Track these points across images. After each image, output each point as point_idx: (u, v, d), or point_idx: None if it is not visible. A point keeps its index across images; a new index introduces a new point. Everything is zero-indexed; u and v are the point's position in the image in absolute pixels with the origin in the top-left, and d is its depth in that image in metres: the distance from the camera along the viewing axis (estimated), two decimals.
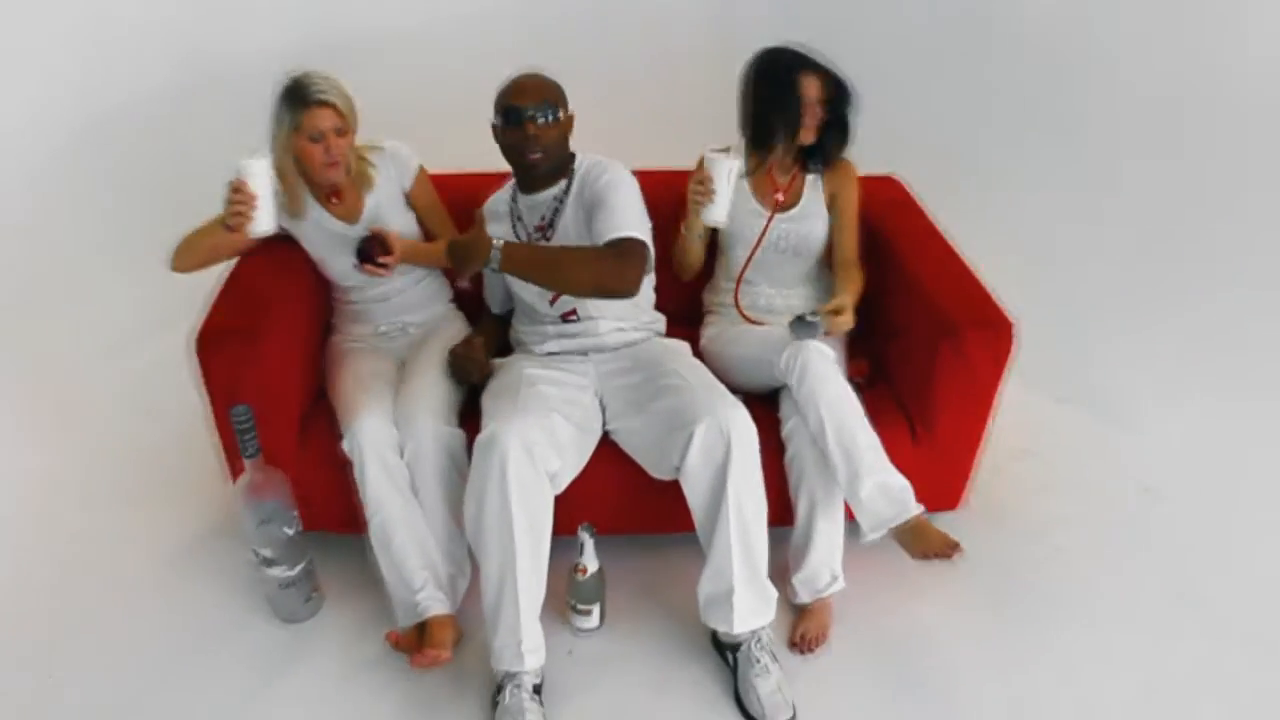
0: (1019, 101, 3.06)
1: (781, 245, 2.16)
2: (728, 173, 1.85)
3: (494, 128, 1.91)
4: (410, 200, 2.12)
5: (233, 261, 2.05)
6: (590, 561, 1.88)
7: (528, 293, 2.03)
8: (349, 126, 1.93)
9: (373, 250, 2.03)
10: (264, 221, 1.78)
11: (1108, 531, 2.26)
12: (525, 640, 1.72)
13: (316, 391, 2.08)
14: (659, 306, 2.16)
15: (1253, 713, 1.84)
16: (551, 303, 2.00)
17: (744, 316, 2.18)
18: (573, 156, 1.98)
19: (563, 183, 1.96)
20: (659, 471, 1.84)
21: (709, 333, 2.21)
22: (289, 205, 1.99)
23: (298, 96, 1.87)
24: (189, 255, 1.92)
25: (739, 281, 2.19)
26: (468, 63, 3.31)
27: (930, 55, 3.27)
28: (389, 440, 1.87)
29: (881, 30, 3.35)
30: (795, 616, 1.98)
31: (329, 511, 1.98)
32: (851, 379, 2.05)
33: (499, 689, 1.76)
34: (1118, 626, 2.01)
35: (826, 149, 2.12)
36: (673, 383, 1.85)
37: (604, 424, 1.95)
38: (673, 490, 1.80)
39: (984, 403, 1.98)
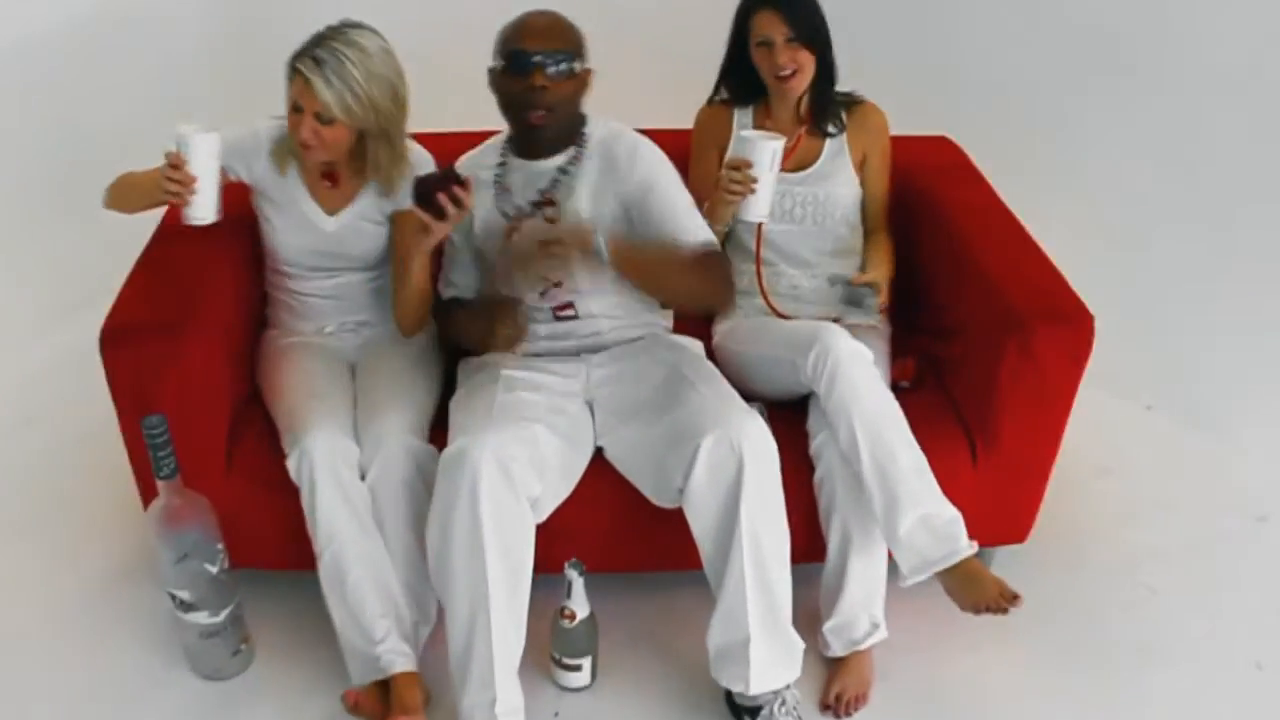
0: (1095, 42, 3.03)
1: (799, 214, 2.16)
2: (771, 156, 1.86)
3: (491, 73, 1.87)
4: (397, 218, 2.00)
5: (141, 245, 2.02)
6: (579, 605, 1.86)
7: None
8: (338, 119, 1.81)
9: (437, 189, 1.72)
10: (203, 209, 1.81)
11: (1208, 567, 2.25)
12: (500, 700, 1.70)
13: (247, 398, 2.07)
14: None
15: None
16: (542, 294, 1.96)
17: (770, 307, 2.16)
18: (583, 119, 1.94)
19: (570, 150, 1.92)
20: (661, 497, 1.83)
21: (723, 327, 2.19)
22: (276, 156, 1.96)
23: (299, 53, 1.80)
24: (122, 200, 1.97)
25: (758, 263, 2.17)
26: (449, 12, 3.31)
27: None
28: (346, 457, 1.85)
29: None
30: (828, 672, 1.96)
31: (262, 544, 1.97)
32: (894, 383, 2.04)
33: None
34: (1222, 683, 2.00)
35: (824, 102, 2.13)
36: (676, 388, 1.84)
37: (595, 438, 1.93)
38: (677, 519, 1.78)
39: (1058, 412, 1.97)
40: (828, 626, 1.94)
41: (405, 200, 1.89)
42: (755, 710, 1.82)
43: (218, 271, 2.02)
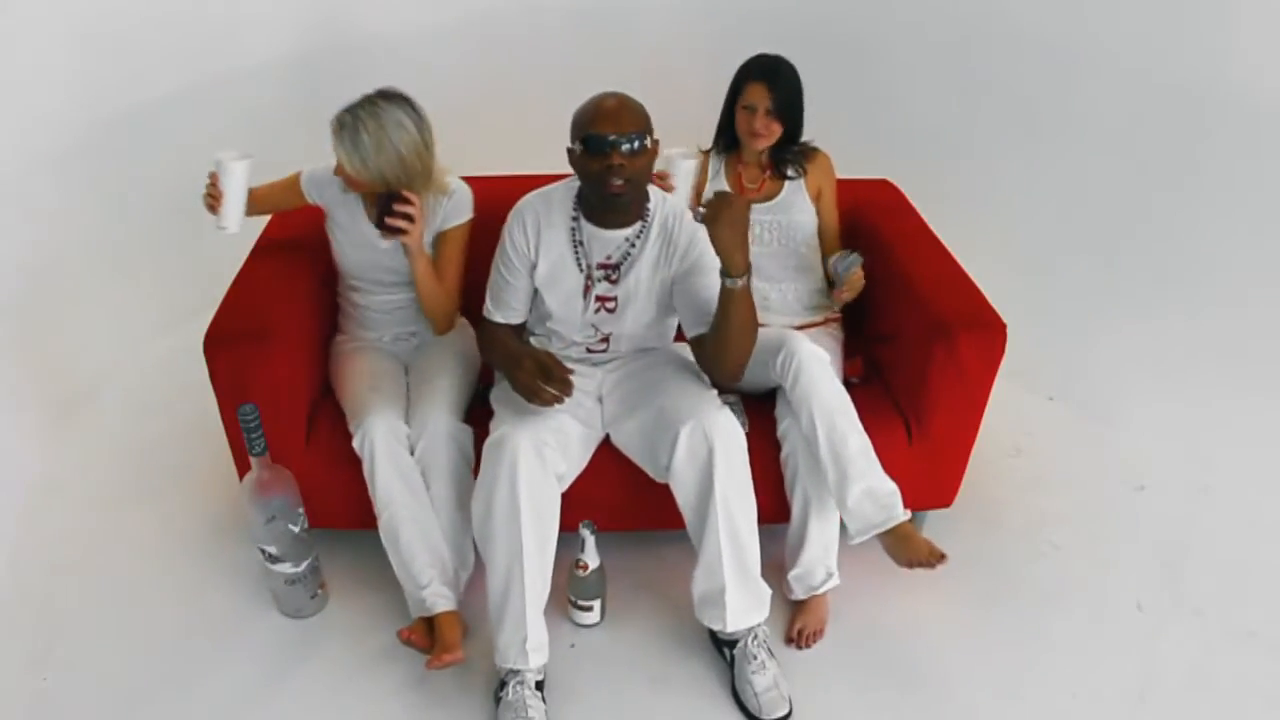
0: (1010, 104, 3.04)
1: (766, 238, 2.15)
2: (685, 173, 1.91)
3: (570, 154, 1.71)
4: (436, 240, 1.96)
5: (241, 262, 2.01)
6: (591, 558, 1.85)
7: (569, 317, 1.85)
8: (374, 181, 1.78)
9: (387, 210, 1.78)
10: (230, 220, 1.81)
11: (1099, 527, 2.23)
12: (530, 638, 1.69)
13: (323, 390, 2.05)
14: None
15: (1245, 707, 1.82)
16: (594, 335, 1.89)
17: None
18: (647, 194, 1.79)
19: (638, 224, 1.79)
20: (655, 473, 1.82)
21: None
22: (345, 187, 1.91)
23: (337, 132, 1.75)
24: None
25: None
26: (468, 65, 3.30)
27: (923, 60, 3.24)
28: (400, 437, 1.84)
29: (875, 35, 3.32)
30: (792, 612, 1.95)
31: (335, 508, 1.95)
32: (846, 379, 2.03)
33: (502, 684, 1.74)
34: (1109, 622, 1.99)
35: (784, 155, 2.13)
36: (665, 386, 1.82)
37: (603, 425, 1.92)
38: (669, 489, 1.77)
39: (977, 402, 1.95)
40: (791, 575, 1.93)
41: (445, 224, 1.92)
42: (733, 643, 1.82)
43: (298, 287, 2.01)
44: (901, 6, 3.26)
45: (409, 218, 1.80)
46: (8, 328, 2.35)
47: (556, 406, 1.69)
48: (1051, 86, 2.91)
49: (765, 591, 1.81)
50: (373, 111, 1.74)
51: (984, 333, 1.87)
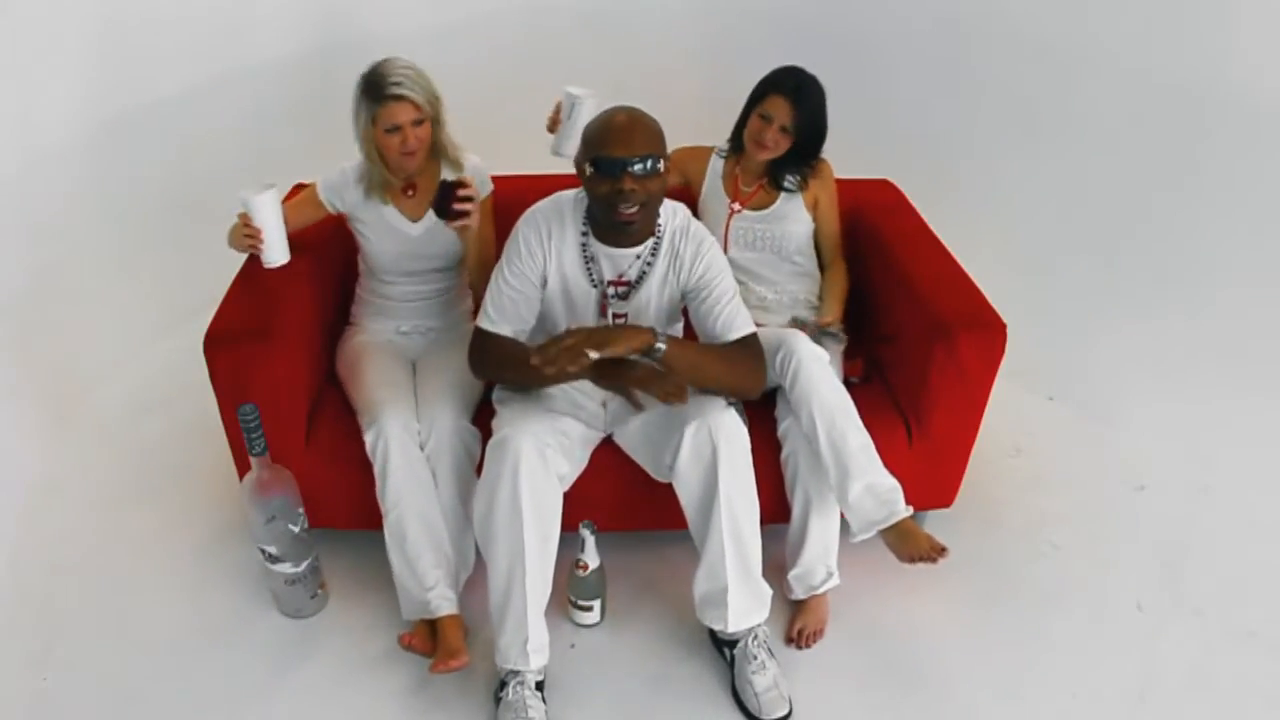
0: (1010, 104, 3.04)
1: (759, 245, 2.15)
2: (571, 108, 1.89)
3: (579, 168, 1.67)
4: None
5: (240, 263, 2.01)
6: (591, 558, 1.85)
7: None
8: (427, 116, 1.85)
9: (447, 200, 1.78)
10: (275, 253, 1.82)
11: (1099, 527, 2.23)
12: (531, 639, 1.69)
13: (323, 390, 2.05)
14: None
15: (1245, 707, 1.82)
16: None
17: None
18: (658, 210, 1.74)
19: (650, 241, 1.74)
20: (657, 473, 1.81)
21: None
22: (368, 190, 1.94)
23: (374, 90, 1.80)
24: (234, 243, 1.95)
25: None
26: (472, 65, 3.29)
27: (923, 60, 3.24)
28: (413, 435, 1.84)
29: (877, 35, 3.32)
30: (792, 612, 1.95)
31: (335, 508, 1.95)
32: (846, 378, 2.03)
33: (502, 684, 1.73)
34: (1109, 622, 1.98)
35: (785, 171, 2.11)
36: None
37: (605, 427, 1.91)
38: (670, 489, 1.77)
39: (977, 402, 1.95)
40: (791, 575, 1.92)
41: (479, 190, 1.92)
42: (733, 643, 1.81)
43: (298, 288, 2.00)
44: (901, 6, 3.26)
45: (470, 200, 1.79)
46: (8, 328, 2.34)
47: (561, 407, 1.70)
48: (1051, 86, 2.91)
49: (766, 592, 1.80)
50: (393, 64, 1.82)
51: (984, 333, 1.87)
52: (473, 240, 1.91)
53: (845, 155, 2.21)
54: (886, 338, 2.13)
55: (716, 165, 2.19)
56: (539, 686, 1.74)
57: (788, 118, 1.99)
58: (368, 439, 1.82)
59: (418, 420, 1.86)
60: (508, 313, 1.76)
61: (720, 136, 2.21)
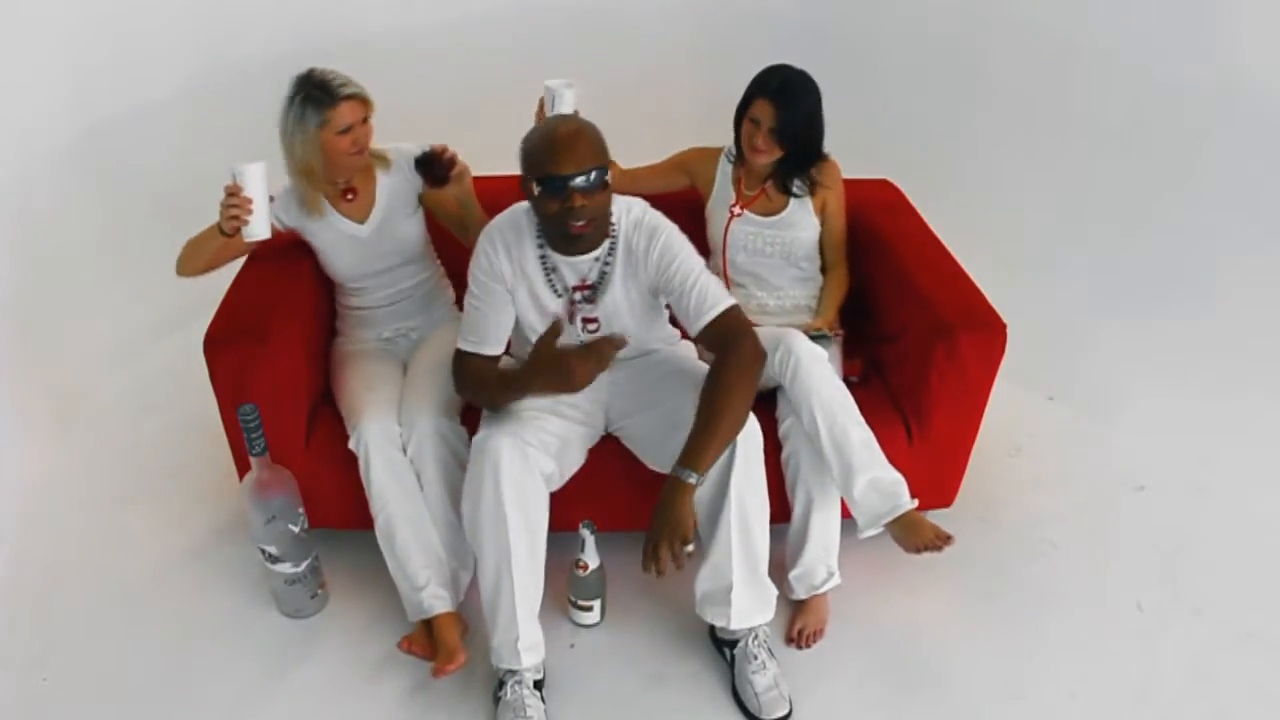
0: (1010, 104, 3.03)
1: (769, 250, 2.13)
2: (553, 100, 1.91)
3: (526, 190, 1.63)
4: (424, 200, 2.05)
5: (240, 265, 2.01)
6: (591, 558, 1.85)
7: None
8: (370, 112, 1.88)
9: (435, 168, 1.91)
10: (259, 226, 1.77)
11: (1099, 527, 2.23)
12: (522, 638, 1.69)
13: (323, 391, 2.05)
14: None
15: (1244, 706, 1.82)
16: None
17: None
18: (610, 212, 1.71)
19: (606, 243, 1.72)
20: (660, 465, 1.80)
21: None
22: (307, 204, 1.94)
23: (323, 94, 1.80)
24: (192, 260, 1.91)
25: (727, 284, 2.16)
26: (464, 65, 3.29)
27: (923, 60, 3.23)
28: (394, 438, 1.84)
29: (877, 35, 3.31)
30: (792, 611, 1.95)
31: (335, 509, 1.95)
32: (846, 378, 2.02)
33: (501, 684, 1.73)
34: (1109, 621, 1.98)
35: (791, 177, 2.10)
36: (679, 383, 1.80)
37: (607, 424, 1.91)
38: None
39: (977, 402, 1.95)
40: (792, 574, 1.92)
41: (396, 185, 2.00)
42: (733, 643, 1.81)
43: (297, 288, 2.00)
44: (901, 6, 3.25)
45: (447, 154, 1.91)
46: (8, 327, 2.34)
47: (547, 405, 1.71)
48: (1051, 86, 2.91)
49: (772, 593, 1.80)
50: (323, 71, 1.84)
51: (984, 333, 1.86)
52: (468, 192, 1.97)
53: (845, 155, 2.21)
54: (886, 338, 2.13)
55: (726, 168, 2.17)
56: (538, 686, 1.74)
57: (773, 121, 1.97)
58: (350, 444, 1.83)
59: (399, 423, 1.86)
60: (481, 331, 1.75)
61: (719, 136, 2.20)
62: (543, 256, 1.73)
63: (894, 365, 2.09)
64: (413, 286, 2.09)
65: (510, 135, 1.72)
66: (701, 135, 2.26)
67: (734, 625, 1.76)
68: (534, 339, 1.73)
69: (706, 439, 1.62)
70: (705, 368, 1.75)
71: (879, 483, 1.81)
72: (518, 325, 1.80)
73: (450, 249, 2.15)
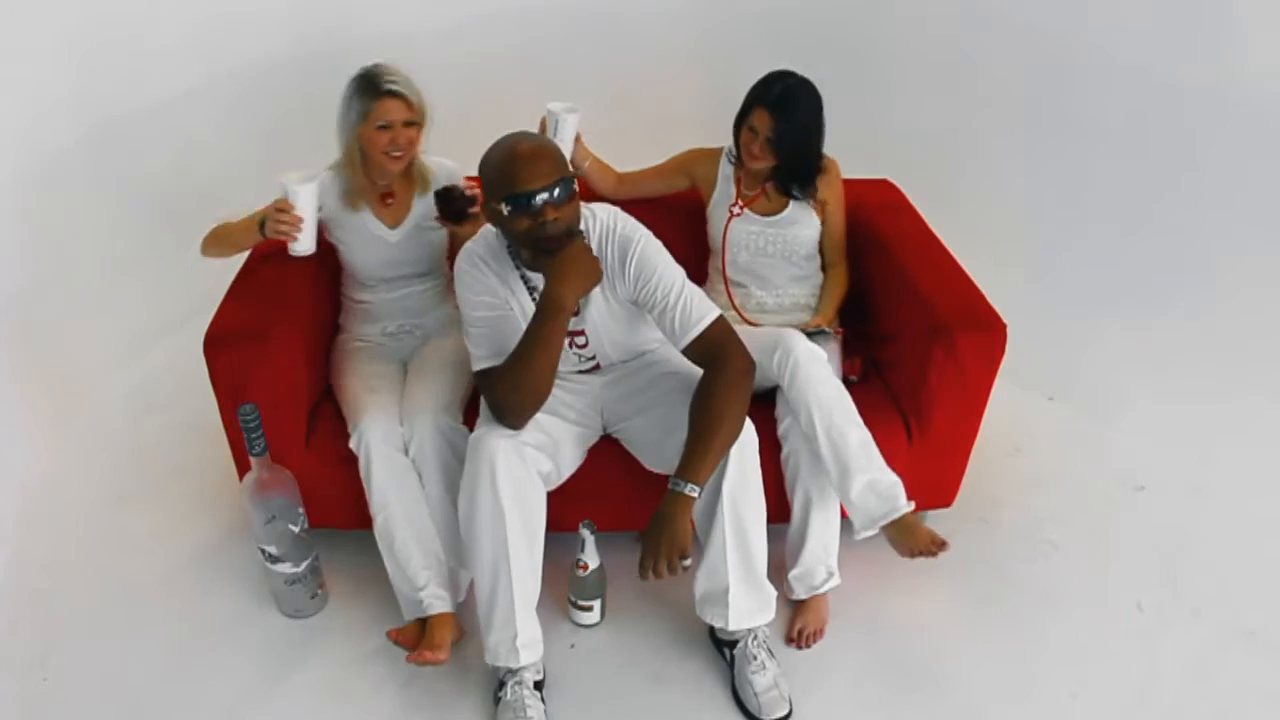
0: (1010, 104, 3.03)
1: (770, 250, 2.14)
2: (569, 129, 1.98)
3: (495, 213, 1.58)
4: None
5: (240, 263, 2.01)
6: (591, 558, 1.84)
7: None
8: (418, 120, 1.87)
9: (456, 203, 1.89)
10: (306, 243, 1.83)
11: (1098, 527, 2.22)
12: (520, 635, 1.68)
13: (323, 391, 2.05)
14: None
15: (1244, 706, 1.81)
16: (582, 361, 1.86)
17: (742, 318, 2.14)
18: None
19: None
20: (658, 466, 1.80)
21: None
22: (349, 194, 1.94)
23: (369, 86, 1.82)
24: (219, 247, 1.94)
25: (727, 284, 2.16)
26: (465, 68, 3.28)
27: (923, 60, 3.23)
28: (394, 439, 1.84)
29: (877, 35, 3.31)
30: (792, 612, 1.94)
31: (335, 509, 1.95)
32: (845, 377, 2.02)
33: (501, 685, 1.73)
34: (1109, 621, 1.98)
35: (791, 182, 2.10)
36: (672, 385, 1.80)
37: (604, 426, 1.90)
38: None
39: (976, 402, 1.94)
40: (792, 574, 1.92)
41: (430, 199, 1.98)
42: (733, 643, 1.81)
43: (297, 288, 2.00)
44: (901, 6, 3.25)
45: (475, 194, 1.90)
46: (9, 327, 2.33)
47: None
48: (1051, 86, 2.90)
49: (771, 593, 1.79)
50: (387, 68, 1.85)
51: (984, 333, 1.86)
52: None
53: (845, 155, 2.21)
54: (886, 337, 2.13)
55: (727, 168, 2.18)
56: (538, 686, 1.73)
57: (770, 130, 1.98)
58: (351, 444, 1.83)
59: (401, 423, 1.86)
60: (494, 343, 1.69)
61: (720, 138, 2.20)
62: (524, 276, 1.72)
63: (894, 365, 2.08)
64: (421, 290, 2.09)
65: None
66: (702, 136, 2.26)
67: (733, 626, 1.76)
68: None
69: (703, 451, 1.62)
70: (695, 369, 1.74)
71: (876, 484, 1.81)
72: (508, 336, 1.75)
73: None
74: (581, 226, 1.66)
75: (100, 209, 2.69)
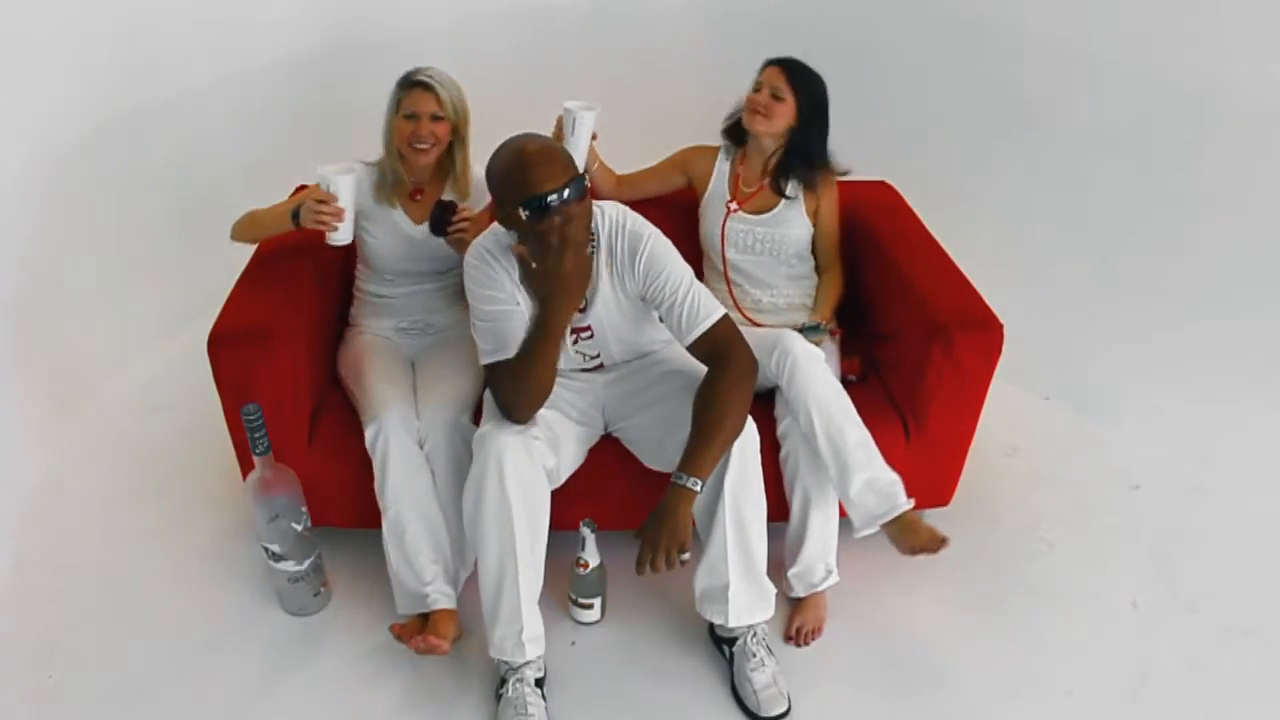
0: (1009, 105, 3.03)
1: (759, 248, 2.15)
2: (585, 127, 1.96)
3: (508, 216, 1.58)
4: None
5: (244, 263, 2.01)
6: (592, 556, 1.85)
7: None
8: (448, 117, 1.90)
9: (444, 216, 1.89)
10: (345, 234, 1.85)
11: (1095, 526, 2.23)
12: (526, 629, 1.69)
13: (326, 390, 2.05)
14: None
15: (1240, 703, 1.82)
16: (585, 360, 1.87)
17: (743, 316, 2.15)
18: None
19: (588, 246, 1.68)
20: (659, 465, 1.81)
21: None
22: (384, 186, 1.98)
23: (405, 78, 1.91)
24: (251, 234, 1.98)
25: (729, 282, 2.17)
26: (466, 69, 3.29)
27: (922, 60, 3.23)
28: (413, 432, 1.85)
29: (876, 36, 3.31)
30: (791, 609, 1.95)
31: (338, 507, 1.96)
32: (844, 377, 2.03)
33: (502, 682, 1.73)
34: (1105, 619, 1.99)
35: (790, 174, 2.10)
36: (674, 384, 1.80)
37: (605, 425, 1.91)
38: None
39: (974, 402, 1.95)
40: (791, 573, 1.92)
41: (476, 205, 1.98)
42: (732, 640, 1.82)
43: (301, 289, 2.01)
44: (901, 6, 3.26)
45: (467, 220, 1.90)
46: (12, 327, 2.34)
47: (549, 401, 1.71)
48: (1051, 86, 2.91)
49: (770, 591, 1.80)
50: (433, 70, 1.91)
51: (981, 333, 1.87)
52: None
53: (844, 155, 2.21)
54: (883, 337, 2.14)
55: (723, 166, 2.19)
56: (539, 683, 1.74)
57: (780, 81, 2.00)
58: (368, 435, 1.83)
59: (417, 418, 1.87)
60: (500, 338, 1.69)
61: (719, 137, 2.21)
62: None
63: (892, 365, 2.09)
64: (438, 287, 2.10)
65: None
66: (702, 137, 2.27)
67: (732, 623, 1.77)
68: None
69: (706, 446, 1.63)
70: (701, 366, 1.73)
71: (876, 483, 1.81)
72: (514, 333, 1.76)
73: None
74: (593, 226, 1.68)
75: (105, 209, 2.70)
